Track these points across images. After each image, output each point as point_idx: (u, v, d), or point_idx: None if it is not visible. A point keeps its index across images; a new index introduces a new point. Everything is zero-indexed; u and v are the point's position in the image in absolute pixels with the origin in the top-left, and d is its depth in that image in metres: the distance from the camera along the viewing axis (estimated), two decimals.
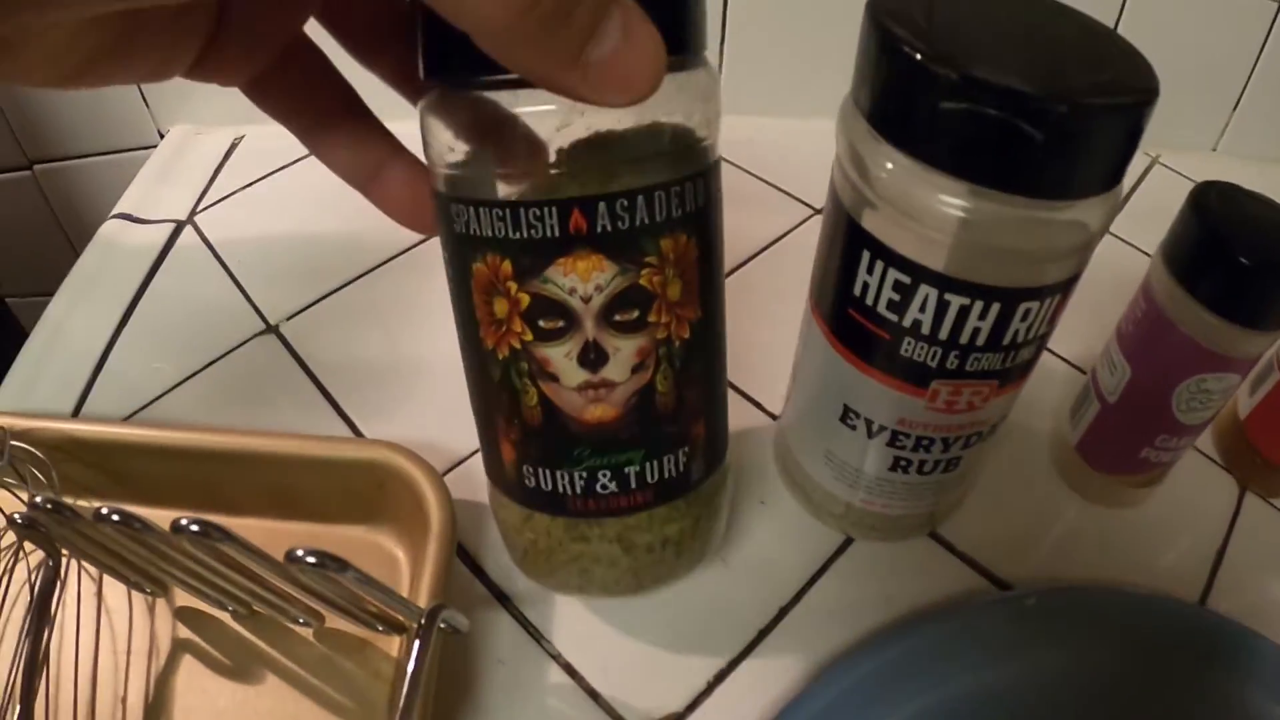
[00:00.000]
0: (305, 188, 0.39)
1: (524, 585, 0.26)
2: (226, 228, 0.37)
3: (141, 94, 0.39)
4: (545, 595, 0.26)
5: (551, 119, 0.17)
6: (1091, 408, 0.30)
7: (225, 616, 0.26)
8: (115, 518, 0.21)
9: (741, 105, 0.45)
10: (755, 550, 0.27)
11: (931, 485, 0.26)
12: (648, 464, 0.22)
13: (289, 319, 0.33)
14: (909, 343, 0.21)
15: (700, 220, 0.20)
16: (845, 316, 0.23)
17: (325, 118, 0.19)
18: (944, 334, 0.21)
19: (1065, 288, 0.21)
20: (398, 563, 0.27)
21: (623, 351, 0.20)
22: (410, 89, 0.20)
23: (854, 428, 0.24)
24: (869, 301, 0.22)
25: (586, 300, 0.19)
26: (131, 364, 0.32)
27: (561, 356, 0.20)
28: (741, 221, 0.41)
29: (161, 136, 0.41)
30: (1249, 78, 0.46)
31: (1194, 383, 0.26)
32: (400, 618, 0.22)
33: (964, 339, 0.21)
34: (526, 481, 0.22)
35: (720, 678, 0.25)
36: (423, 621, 0.21)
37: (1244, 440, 0.33)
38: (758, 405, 0.32)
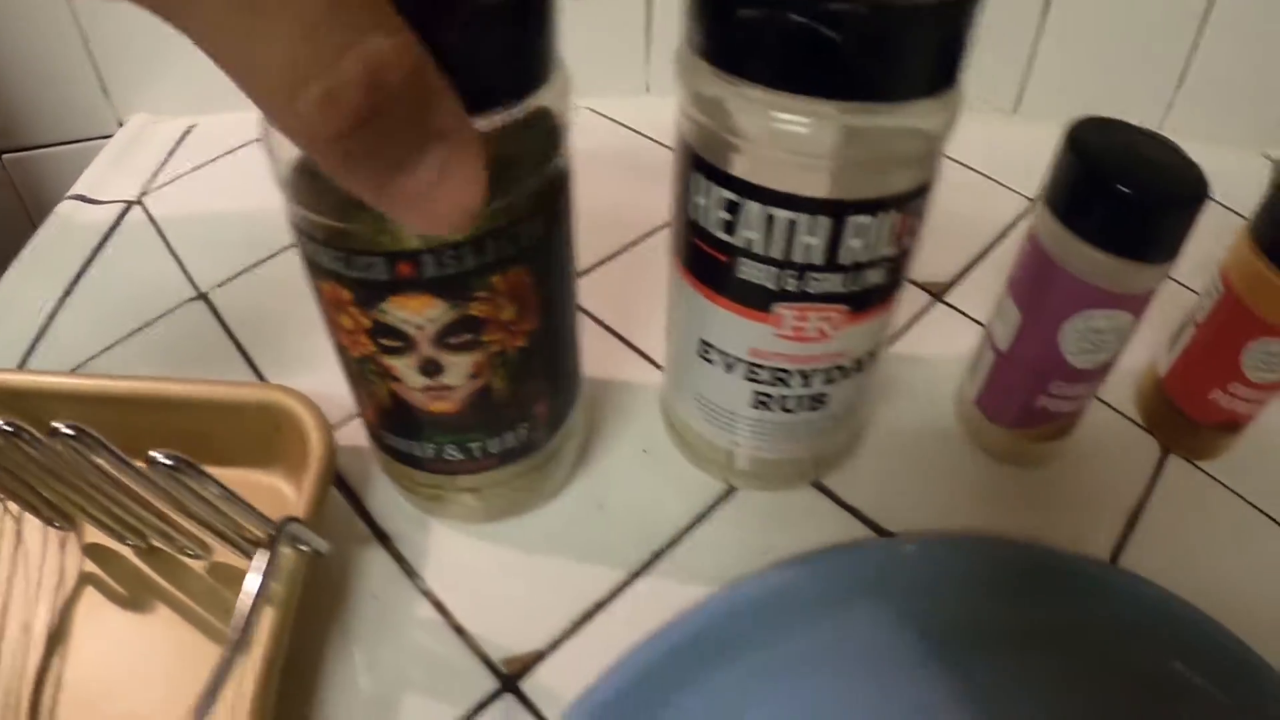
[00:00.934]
0: (249, 170, 0.41)
1: (402, 525, 0.27)
2: (173, 206, 0.39)
3: (102, 86, 0.43)
4: (423, 534, 0.27)
5: None
6: (987, 359, 0.30)
7: (127, 551, 0.28)
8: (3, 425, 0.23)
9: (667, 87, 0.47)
10: (634, 497, 0.28)
11: (803, 426, 0.26)
12: (489, 440, 0.24)
13: (219, 286, 0.35)
14: (745, 264, 0.22)
15: (536, 252, 0.21)
16: (691, 245, 0.24)
17: None
18: (777, 253, 0.22)
19: (903, 203, 0.21)
20: (288, 502, 0.28)
21: (458, 365, 0.22)
22: None
23: (713, 362, 0.25)
24: (704, 224, 0.22)
25: (420, 328, 0.21)
26: (73, 331, 0.34)
27: (404, 366, 0.22)
28: (652, 193, 0.42)
29: (121, 125, 0.45)
30: (1190, 57, 0.46)
31: (1081, 320, 0.26)
32: (257, 532, 0.23)
33: (798, 257, 0.22)
34: (386, 440, 0.25)
35: (586, 618, 0.25)
36: (272, 534, 0.22)
37: (1165, 399, 0.33)
38: (650, 360, 0.33)
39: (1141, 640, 0.26)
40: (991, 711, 0.24)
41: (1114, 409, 0.34)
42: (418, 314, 0.20)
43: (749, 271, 0.22)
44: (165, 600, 0.27)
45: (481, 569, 0.27)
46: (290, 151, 0.18)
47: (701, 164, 0.22)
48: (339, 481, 0.29)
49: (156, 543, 0.27)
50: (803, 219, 0.21)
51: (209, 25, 0.12)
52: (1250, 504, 0.33)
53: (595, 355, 0.30)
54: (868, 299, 0.23)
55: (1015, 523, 0.29)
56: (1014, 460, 0.32)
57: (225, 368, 0.32)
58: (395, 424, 0.24)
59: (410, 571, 0.27)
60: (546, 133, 0.20)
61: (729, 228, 0.22)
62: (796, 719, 0.23)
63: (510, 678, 0.25)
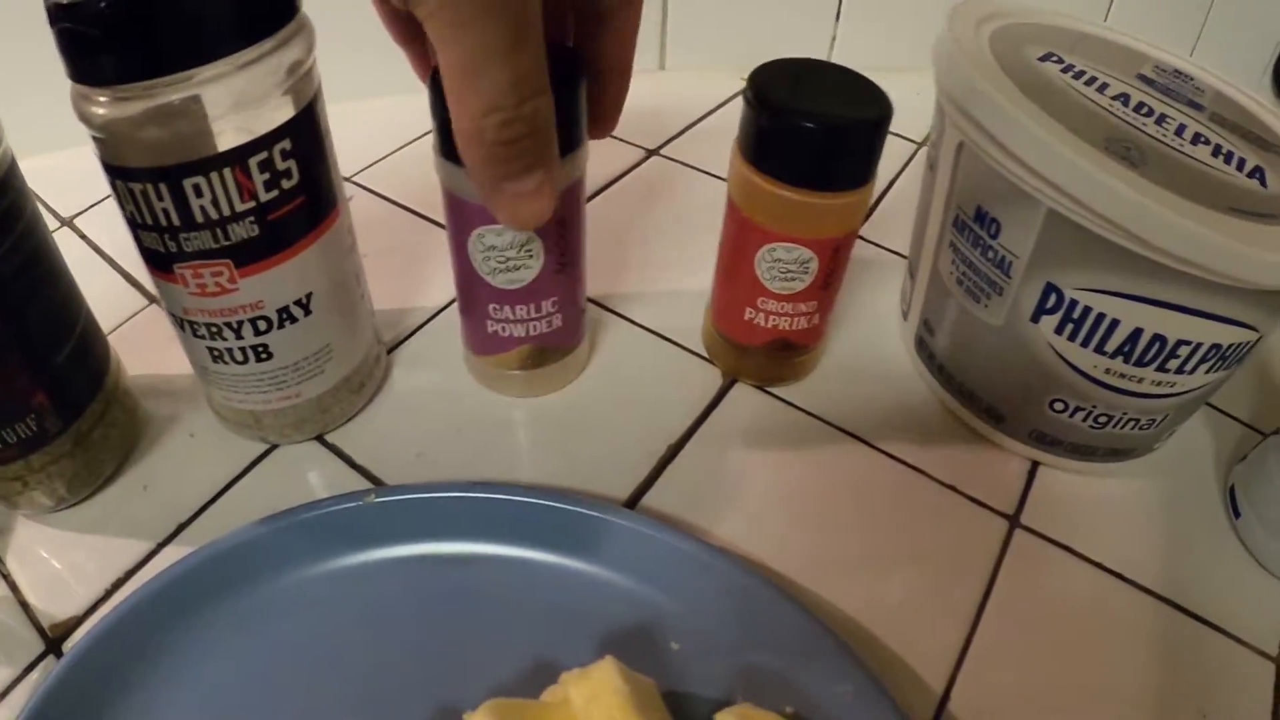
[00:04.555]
0: None
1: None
2: None
3: None
4: (12, 525, 0.33)
5: None
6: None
7: None
8: None
9: None
10: (175, 476, 0.33)
11: (264, 375, 0.30)
12: (3, 432, 0.29)
13: None
14: (141, 235, 0.27)
15: None
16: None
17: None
18: (148, 219, 0.26)
19: (235, 160, 0.25)
20: None
21: None
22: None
23: (184, 329, 0.29)
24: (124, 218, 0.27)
25: None
26: None
27: None
28: None
29: None
30: None
31: (477, 239, 0.30)
32: None
33: (164, 221, 0.26)
34: None
35: (118, 584, 0.31)
36: None
37: (715, 329, 0.35)
38: None
39: (627, 579, 0.28)
40: (455, 665, 0.27)
41: (682, 346, 0.36)
42: None
43: (144, 239, 0.27)
44: None
45: (48, 550, 0.32)
46: None
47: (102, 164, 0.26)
48: None
49: None
50: (148, 186, 0.25)
51: (463, 51, 0.20)
52: (820, 420, 0.34)
53: (155, 354, 0.35)
54: (249, 252, 0.27)
55: (541, 469, 0.33)
56: (523, 391, 0.35)
57: None
58: None
59: None
60: None
61: (121, 206, 0.26)
62: (258, 663, 0.27)
63: (55, 640, 0.30)
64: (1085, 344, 0.29)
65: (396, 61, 0.29)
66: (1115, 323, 0.28)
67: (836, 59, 0.53)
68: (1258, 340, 0.30)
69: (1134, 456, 0.33)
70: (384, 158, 0.48)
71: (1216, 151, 0.30)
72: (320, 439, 0.33)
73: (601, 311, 0.40)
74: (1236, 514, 0.33)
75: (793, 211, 0.29)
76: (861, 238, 0.46)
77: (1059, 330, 0.29)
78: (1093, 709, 0.28)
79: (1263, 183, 0.29)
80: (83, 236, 0.42)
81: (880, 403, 0.35)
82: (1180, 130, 0.30)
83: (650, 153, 0.50)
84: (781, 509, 0.32)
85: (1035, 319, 0.30)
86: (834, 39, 0.50)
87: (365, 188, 0.47)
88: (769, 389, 0.35)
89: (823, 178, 0.28)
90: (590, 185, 0.47)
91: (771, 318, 0.33)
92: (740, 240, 0.31)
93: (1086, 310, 0.29)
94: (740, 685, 0.27)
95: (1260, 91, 0.67)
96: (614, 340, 0.38)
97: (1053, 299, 0.29)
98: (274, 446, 0.33)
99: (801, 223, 0.29)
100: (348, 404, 0.33)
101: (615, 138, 0.49)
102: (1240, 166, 0.30)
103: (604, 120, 0.28)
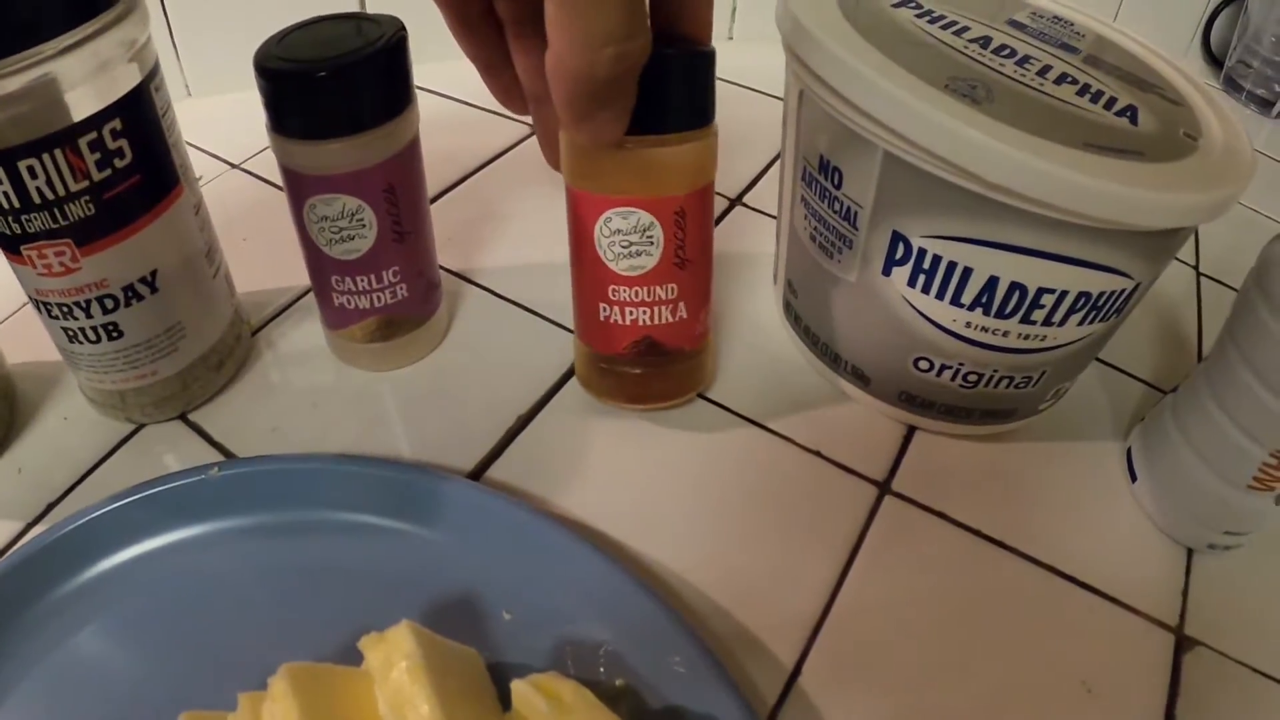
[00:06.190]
0: None
1: None
2: None
3: None
4: None
5: None
6: None
7: None
8: None
9: None
10: (49, 458, 0.33)
11: (118, 354, 0.30)
12: None
13: None
14: None
15: None
16: None
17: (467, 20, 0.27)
18: None
19: (65, 140, 0.25)
20: None
21: None
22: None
23: (41, 311, 0.30)
24: None
25: None
26: None
27: None
28: None
29: None
30: None
31: (310, 210, 0.30)
32: None
33: (5, 204, 0.26)
34: None
35: None
36: None
37: (583, 348, 0.34)
38: None
39: (461, 548, 0.28)
40: (285, 635, 0.27)
41: (543, 317, 0.36)
42: None
43: None
44: None
45: None
46: None
47: None
48: None
49: None
50: None
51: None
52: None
53: (42, 342, 0.36)
54: (88, 231, 0.27)
55: (392, 441, 0.32)
56: (372, 364, 0.34)
57: None
58: None
59: None
60: None
61: None
62: (103, 638, 0.27)
63: None
64: (940, 296, 0.28)
65: None
66: (968, 271, 0.27)
67: (738, 30, 0.52)
68: (1135, 288, 0.28)
69: (1017, 419, 0.31)
70: None
71: (1084, 91, 0.28)
72: (184, 417, 0.33)
73: (464, 284, 0.39)
74: (1133, 478, 0.31)
75: (614, 165, 0.27)
76: (748, 205, 0.45)
77: (911, 283, 0.28)
78: (960, 685, 0.26)
79: (1133, 121, 0.28)
80: None
81: (749, 369, 0.34)
82: (1044, 71, 0.29)
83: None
84: (633, 479, 0.31)
85: (887, 272, 0.28)
86: (734, 10, 0.49)
87: (253, 174, 0.47)
88: (643, 406, 0.33)
89: (635, 118, 0.25)
90: (475, 159, 0.48)
91: (628, 310, 0.30)
92: (578, 219, 0.29)
93: (936, 259, 0.27)
94: (571, 656, 0.26)
95: (1190, 60, 0.64)
96: (476, 312, 0.38)
97: (901, 249, 0.27)
98: (140, 426, 0.33)
99: (628, 177, 0.27)
100: (208, 382, 0.33)
101: (501, 114, 0.49)
102: (1109, 105, 0.28)
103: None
